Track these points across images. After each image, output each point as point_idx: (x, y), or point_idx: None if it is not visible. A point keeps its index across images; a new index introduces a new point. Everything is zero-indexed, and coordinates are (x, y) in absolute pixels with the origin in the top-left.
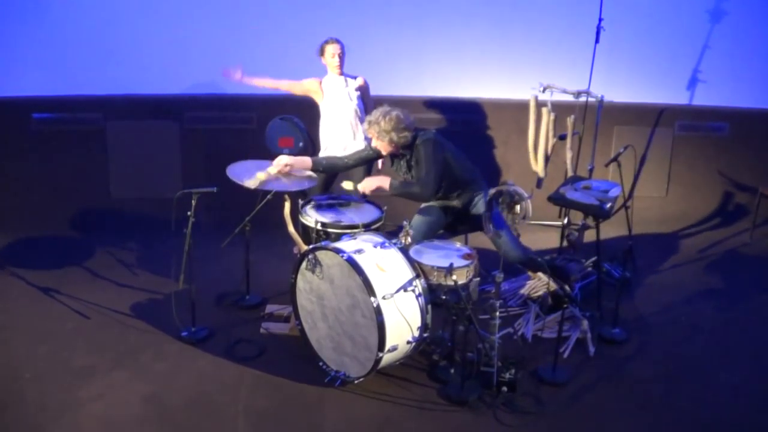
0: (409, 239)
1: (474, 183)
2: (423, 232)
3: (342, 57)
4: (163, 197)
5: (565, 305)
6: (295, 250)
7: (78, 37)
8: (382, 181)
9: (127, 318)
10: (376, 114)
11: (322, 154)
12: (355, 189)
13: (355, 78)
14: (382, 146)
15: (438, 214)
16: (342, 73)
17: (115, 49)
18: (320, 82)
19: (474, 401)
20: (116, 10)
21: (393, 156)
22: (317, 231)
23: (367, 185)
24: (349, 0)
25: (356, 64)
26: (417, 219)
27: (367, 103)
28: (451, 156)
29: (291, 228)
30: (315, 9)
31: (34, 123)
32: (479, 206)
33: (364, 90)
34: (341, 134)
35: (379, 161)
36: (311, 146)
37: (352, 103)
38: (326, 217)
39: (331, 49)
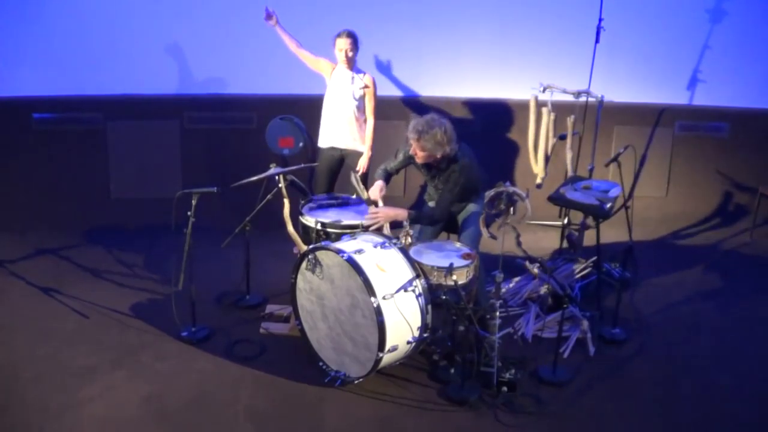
0: (409, 239)
1: (477, 195)
2: (430, 232)
3: (350, 53)
4: (163, 197)
5: (565, 305)
6: (295, 251)
7: (78, 37)
8: (399, 214)
9: (127, 318)
10: (426, 124)
11: (321, 142)
12: (368, 200)
13: (363, 75)
14: (425, 157)
15: None
16: (351, 68)
17: (115, 49)
18: (333, 68)
19: (474, 401)
20: (116, 10)
21: (425, 166)
22: (317, 231)
23: (385, 216)
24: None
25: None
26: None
27: (371, 104)
28: (476, 176)
29: (290, 228)
30: (314, 9)
31: (34, 123)
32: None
33: (368, 90)
34: (340, 128)
35: (363, 163)
36: (311, 146)
37: (353, 102)
38: (326, 217)
39: (339, 44)
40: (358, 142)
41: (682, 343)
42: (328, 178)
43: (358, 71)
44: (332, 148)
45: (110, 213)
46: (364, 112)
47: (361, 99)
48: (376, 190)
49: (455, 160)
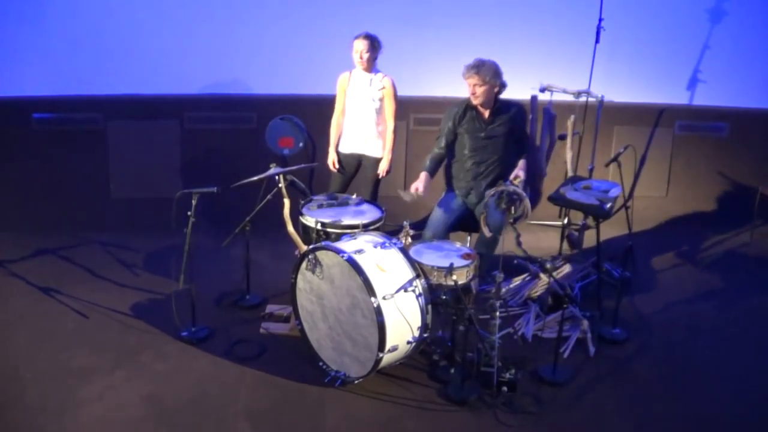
0: (409, 239)
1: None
2: (440, 230)
3: (366, 55)
4: (163, 197)
5: (565, 305)
6: (296, 252)
7: (78, 37)
8: None
9: (127, 318)
10: (477, 60)
11: (342, 147)
12: None
13: (382, 77)
14: (486, 92)
15: (459, 210)
16: (370, 70)
17: (115, 49)
18: (350, 74)
19: (474, 401)
20: (116, 10)
21: (477, 115)
22: (317, 231)
23: None
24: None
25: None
26: (436, 214)
27: (391, 106)
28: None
29: (290, 228)
30: (313, 8)
31: (34, 123)
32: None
33: (386, 92)
34: (360, 133)
35: (384, 167)
36: (311, 146)
37: (372, 105)
38: (326, 217)
39: (356, 46)
40: (377, 147)
41: (682, 343)
42: (345, 180)
43: (377, 72)
44: (352, 154)
45: (110, 213)
46: (379, 118)
47: (381, 101)
48: (420, 183)
49: (507, 105)
